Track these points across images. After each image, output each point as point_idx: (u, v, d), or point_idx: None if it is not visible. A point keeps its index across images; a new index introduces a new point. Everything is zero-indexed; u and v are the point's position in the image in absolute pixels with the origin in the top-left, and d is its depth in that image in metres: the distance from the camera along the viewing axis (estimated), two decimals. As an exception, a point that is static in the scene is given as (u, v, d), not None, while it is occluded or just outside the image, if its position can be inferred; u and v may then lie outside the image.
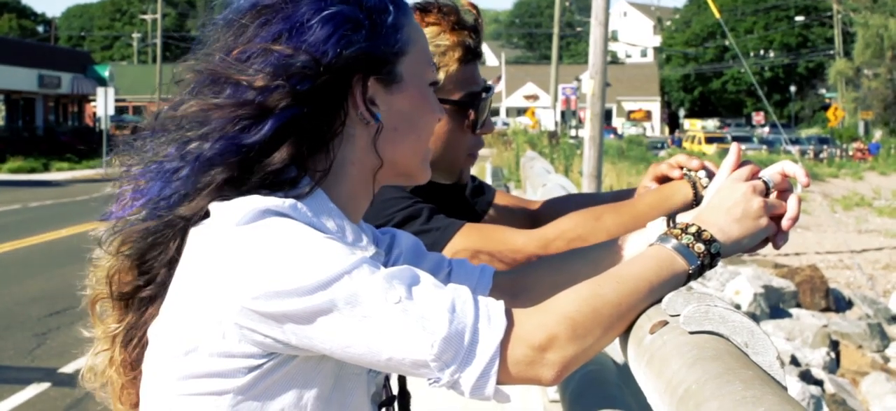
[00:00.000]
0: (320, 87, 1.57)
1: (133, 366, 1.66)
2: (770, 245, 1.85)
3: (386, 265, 1.83)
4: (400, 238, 1.88)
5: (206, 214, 1.55)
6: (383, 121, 1.63)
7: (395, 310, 1.44)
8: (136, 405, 1.67)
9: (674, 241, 1.70)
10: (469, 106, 2.28)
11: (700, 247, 1.70)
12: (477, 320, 1.47)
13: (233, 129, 1.55)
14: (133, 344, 1.65)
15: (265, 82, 1.54)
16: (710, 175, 2.23)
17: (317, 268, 1.44)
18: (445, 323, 1.45)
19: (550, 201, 2.85)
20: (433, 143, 2.26)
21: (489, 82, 2.36)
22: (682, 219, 1.80)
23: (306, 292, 1.44)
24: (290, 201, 1.52)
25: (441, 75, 2.24)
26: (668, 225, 1.79)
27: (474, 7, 2.33)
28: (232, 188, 1.54)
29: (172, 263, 1.58)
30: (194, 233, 1.55)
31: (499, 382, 1.49)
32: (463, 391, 1.50)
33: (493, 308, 1.50)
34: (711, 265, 1.72)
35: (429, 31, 2.24)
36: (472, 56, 2.28)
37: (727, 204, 1.78)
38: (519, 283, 1.88)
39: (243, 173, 1.54)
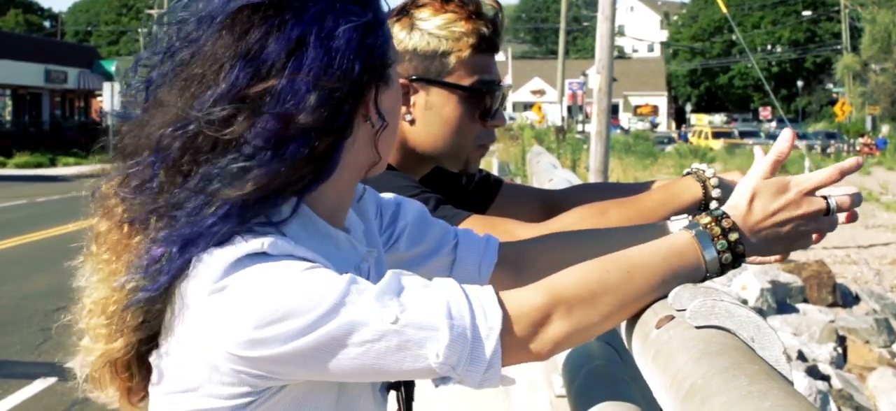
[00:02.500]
0: (342, 100, 1.52)
1: (138, 372, 1.61)
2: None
3: (391, 237, 1.83)
4: (405, 207, 1.86)
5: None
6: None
7: (394, 330, 1.43)
8: (145, 398, 1.64)
9: (704, 238, 1.67)
10: (479, 94, 2.27)
11: (728, 256, 1.67)
12: (474, 317, 1.46)
13: (272, 159, 1.47)
14: (143, 357, 1.59)
15: (311, 110, 1.48)
16: (722, 184, 2.22)
17: (307, 307, 1.41)
18: (446, 331, 1.44)
19: (575, 188, 2.84)
20: (441, 129, 2.26)
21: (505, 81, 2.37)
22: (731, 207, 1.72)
23: (301, 333, 1.41)
24: (269, 238, 1.46)
25: (453, 60, 2.24)
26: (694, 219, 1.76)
27: (497, 2, 2.32)
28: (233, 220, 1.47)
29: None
30: (184, 281, 1.48)
31: (502, 366, 1.50)
32: (472, 386, 1.50)
33: (486, 300, 1.49)
34: (735, 266, 1.69)
35: (446, 18, 2.24)
36: (486, 46, 2.27)
37: (780, 217, 1.71)
38: (524, 257, 1.87)
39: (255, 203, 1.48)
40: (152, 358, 1.57)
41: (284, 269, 1.44)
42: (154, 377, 1.58)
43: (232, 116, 1.47)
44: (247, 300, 1.42)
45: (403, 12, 2.27)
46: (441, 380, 1.49)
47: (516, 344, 1.50)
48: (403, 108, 2.23)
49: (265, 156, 1.46)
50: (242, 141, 1.47)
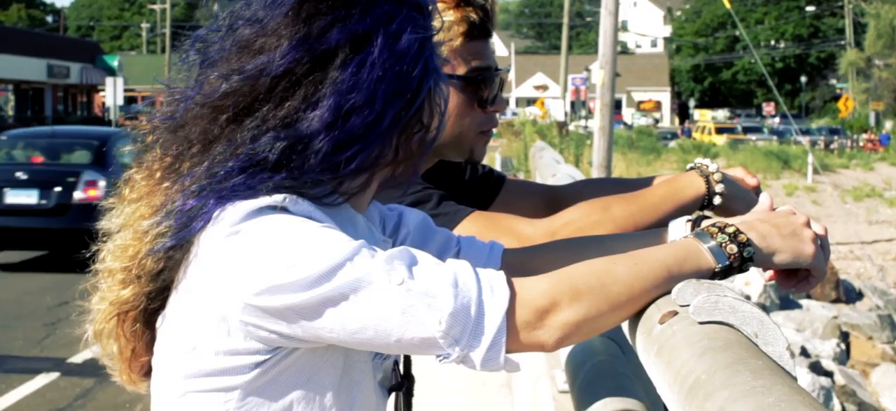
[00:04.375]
0: (395, 101, 1.57)
1: (144, 332, 1.64)
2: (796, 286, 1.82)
3: (393, 245, 1.83)
4: (407, 217, 1.87)
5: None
6: None
7: (400, 291, 1.44)
8: (148, 374, 1.66)
9: (706, 237, 1.68)
10: (476, 81, 2.26)
11: (733, 248, 1.67)
12: (480, 292, 1.48)
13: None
14: (150, 316, 1.62)
15: (367, 106, 1.53)
16: (725, 178, 2.21)
17: (318, 259, 1.44)
18: (451, 299, 1.45)
19: (579, 184, 2.84)
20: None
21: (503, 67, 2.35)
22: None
23: (310, 284, 1.43)
24: (291, 196, 1.50)
25: (444, 50, 2.24)
26: (691, 225, 1.78)
27: None
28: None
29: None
30: (202, 235, 1.53)
31: (507, 351, 1.50)
32: (474, 364, 1.50)
33: (495, 278, 1.50)
34: (742, 269, 1.69)
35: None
36: (477, 32, 2.26)
37: (777, 220, 1.75)
38: (529, 264, 1.88)
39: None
40: (158, 322, 1.59)
41: (300, 224, 1.48)
42: (158, 343, 1.59)
43: (288, 91, 1.52)
44: (259, 246, 1.45)
45: None
46: (444, 356, 1.49)
47: (522, 327, 1.50)
48: None
49: (315, 139, 1.51)
50: (295, 118, 1.51)
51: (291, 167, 1.51)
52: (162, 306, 1.60)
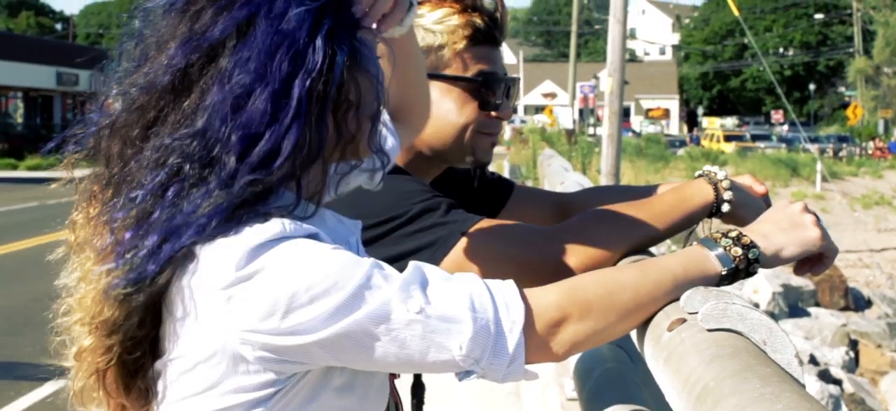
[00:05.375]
0: (290, 82, 1.51)
1: (129, 387, 1.57)
2: (810, 272, 1.85)
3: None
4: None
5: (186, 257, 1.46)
6: None
7: (418, 319, 1.44)
8: None
9: (711, 243, 1.70)
10: (477, 83, 2.27)
11: (737, 250, 1.69)
12: (497, 311, 1.48)
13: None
14: (131, 369, 1.55)
15: (258, 93, 1.48)
16: (733, 186, 2.21)
17: (332, 291, 1.42)
18: (470, 323, 1.46)
19: (587, 191, 2.84)
20: (443, 123, 2.26)
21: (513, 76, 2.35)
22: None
23: (328, 320, 1.42)
24: (286, 220, 1.46)
25: (447, 53, 2.25)
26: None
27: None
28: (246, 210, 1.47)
29: (156, 316, 1.50)
30: (183, 281, 1.46)
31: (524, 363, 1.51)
32: (496, 379, 1.51)
33: (509, 293, 1.51)
34: (749, 273, 1.71)
35: (442, 12, 2.25)
36: (483, 37, 2.27)
37: (776, 217, 1.78)
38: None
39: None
40: (150, 375, 1.53)
41: (310, 249, 1.45)
42: (159, 392, 1.54)
43: (184, 94, 1.48)
44: (273, 282, 1.42)
45: None
46: (464, 374, 1.50)
47: (535, 339, 1.51)
48: None
49: (221, 131, 1.46)
50: (195, 117, 1.47)
51: (220, 175, 1.45)
52: (145, 356, 1.53)
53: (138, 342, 1.51)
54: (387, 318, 1.43)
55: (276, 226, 1.45)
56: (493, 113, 2.30)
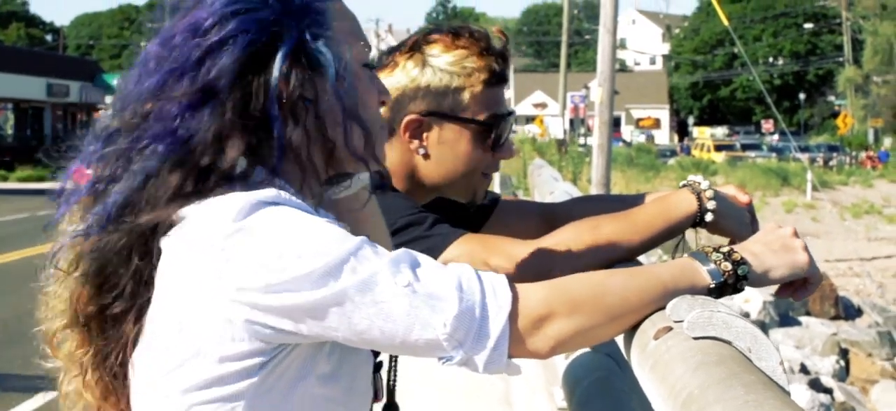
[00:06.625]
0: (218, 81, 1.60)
1: (111, 388, 1.62)
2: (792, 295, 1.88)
3: None
4: None
5: (172, 224, 1.52)
6: None
7: (405, 292, 1.46)
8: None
9: (701, 256, 1.73)
10: (491, 127, 2.29)
11: (727, 265, 1.72)
12: (484, 296, 1.50)
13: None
14: (109, 364, 1.60)
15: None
16: (717, 196, 2.23)
17: (323, 254, 1.45)
18: (455, 302, 1.47)
19: (575, 200, 2.86)
20: (454, 163, 2.29)
21: (512, 108, 2.39)
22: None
23: (317, 281, 1.44)
24: (277, 190, 1.51)
25: (466, 96, 2.27)
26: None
27: (504, 34, 2.35)
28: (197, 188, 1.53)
29: (138, 275, 1.54)
30: (173, 242, 1.51)
31: (508, 355, 1.52)
32: (477, 367, 1.52)
33: (497, 282, 1.52)
34: (736, 289, 1.74)
35: (458, 54, 2.26)
36: (496, 80, 2.30)
37: (766, 238, 1.81)
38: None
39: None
40: (139, 349, 1.56)
41: (299, 217, 1.49)
42: (139, 371, 1.57)
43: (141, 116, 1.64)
44: (264, 242, 1.45)
45: (415, 48, 2.29)
46: (447, 358, 1.50)
47: (520, 332, 1.52)
48: (415, 142, 2.26)
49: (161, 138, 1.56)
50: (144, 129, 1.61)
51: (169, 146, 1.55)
52: (122, 352, 1.58)
53: (116, 318, 1.57)
54: (373, 288, 1.45)
55: (272, 191, 1.50)
56: (496, 154, 2.34)
